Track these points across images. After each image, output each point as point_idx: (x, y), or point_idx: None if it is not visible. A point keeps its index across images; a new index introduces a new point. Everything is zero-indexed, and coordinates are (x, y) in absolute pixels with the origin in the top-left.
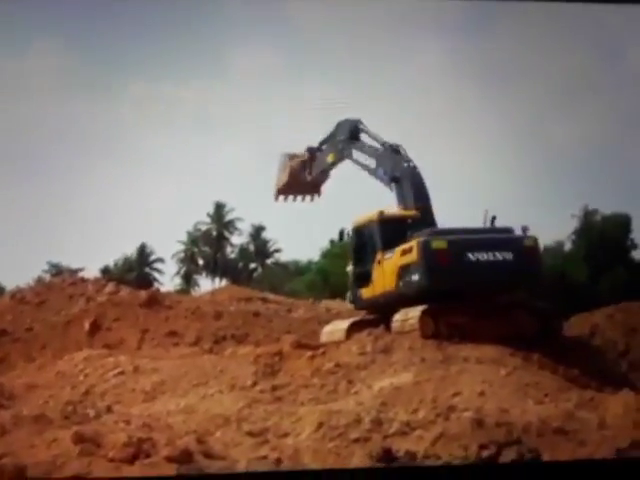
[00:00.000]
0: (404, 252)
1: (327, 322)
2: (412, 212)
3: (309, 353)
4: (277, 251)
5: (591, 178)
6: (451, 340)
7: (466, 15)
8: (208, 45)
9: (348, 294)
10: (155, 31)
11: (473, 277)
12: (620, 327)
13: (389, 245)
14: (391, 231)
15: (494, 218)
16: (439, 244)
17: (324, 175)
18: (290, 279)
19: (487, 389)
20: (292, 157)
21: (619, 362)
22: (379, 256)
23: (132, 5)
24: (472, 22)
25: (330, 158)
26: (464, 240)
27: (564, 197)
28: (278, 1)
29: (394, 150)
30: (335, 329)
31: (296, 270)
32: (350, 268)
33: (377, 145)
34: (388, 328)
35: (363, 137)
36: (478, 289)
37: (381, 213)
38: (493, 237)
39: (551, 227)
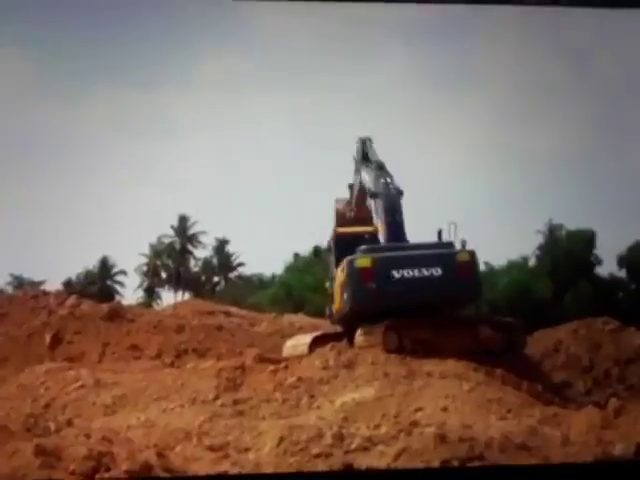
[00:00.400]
0: (342, 270)
1: (290, 336)
2: (369, 228)
3: (271, 367)
4: (241, 265)
5: (557, 193)
6: (415, 355)
7: (431, 25)
8: (175, 53)
9: (326, 308)
10: (121, 36)
11: (398, 295)
12: (584, 343)
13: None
14: (344, 248)
15: (440, 232)
16: (363, 262)
17: (362, 205)
18: (253, 293)
19: (450, 404)
20: (339, 200)
21: (583, 378)
22: (335, 272)
23: (99, 11)
24: (438, 32)
25: (356, 185)
26: (389, 257)
27: (531, 212)
28: (246, 8)
29: (379, 166)
30: (298, 343)
31: (259, 284)
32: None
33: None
34: (352, 342)
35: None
36: (405, 307)
37: (335, 230)
38: (421, 253)
39: (518, 241)
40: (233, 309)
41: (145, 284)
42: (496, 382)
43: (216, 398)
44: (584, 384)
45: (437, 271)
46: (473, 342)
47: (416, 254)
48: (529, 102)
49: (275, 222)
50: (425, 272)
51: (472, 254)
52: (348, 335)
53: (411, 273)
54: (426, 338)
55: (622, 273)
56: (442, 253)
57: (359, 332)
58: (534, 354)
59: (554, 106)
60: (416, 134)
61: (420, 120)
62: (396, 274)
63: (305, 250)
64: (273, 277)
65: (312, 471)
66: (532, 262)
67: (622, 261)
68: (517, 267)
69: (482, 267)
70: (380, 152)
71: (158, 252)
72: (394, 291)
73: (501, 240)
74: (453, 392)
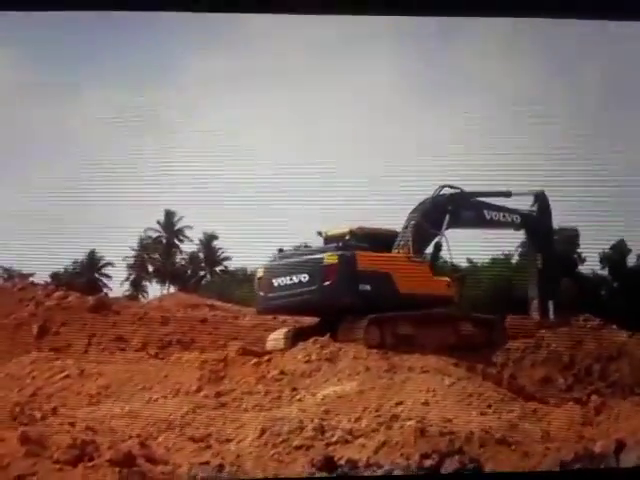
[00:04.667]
0: None
1: (273, 329)
2: (344, 230)
3: (254, 360)
4: (226, 259)
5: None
6: (396, 350)
7: (417, 32)
8: (162, 51)
9: None
10: (108, 36)
11: (276, 302)
12: (565, 339)
13: None
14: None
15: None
16: (260, 272)
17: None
18: (238, 287)
19: (431, 399)
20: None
21: (564, 374)
22: None
23: (85, 13)
24: (423, 40)
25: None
26: (272, 267)
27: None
28: (233, 8)
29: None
30: (281, 337)
31: (244, 278)
32: None
33: None
34: (334, 335)
35: None
36: (284, 313)
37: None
38: (294, 261)
39: (501, 239)
40: (218, 302)
41: (132, 277)
42: (477, 377)
43: (199, 390)
44: (565, 381)
45: (304, 277)
46: (454, 338)
47: (290, 262)
48: (517, 99)
49: (261, 219)
50: (295, 279)
51: (339, 256)
52: (329, 327)
53: (284, 281)
54: (408, 333)
55: (605, 272)
56: (310, 258)
57: (342, 325)
58: (515, 350)
59: (543, 101)
60: (415, 131)
61: (407, 127)
62: (275, 282)
63: (289, 246)
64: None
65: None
66: (515, 259)
67: (604, 259)
68: (500, 264)
69: (465, 264)
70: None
71: (145, 246)
72: (274, 298)
73: (483, 237)
74: (434, 386)
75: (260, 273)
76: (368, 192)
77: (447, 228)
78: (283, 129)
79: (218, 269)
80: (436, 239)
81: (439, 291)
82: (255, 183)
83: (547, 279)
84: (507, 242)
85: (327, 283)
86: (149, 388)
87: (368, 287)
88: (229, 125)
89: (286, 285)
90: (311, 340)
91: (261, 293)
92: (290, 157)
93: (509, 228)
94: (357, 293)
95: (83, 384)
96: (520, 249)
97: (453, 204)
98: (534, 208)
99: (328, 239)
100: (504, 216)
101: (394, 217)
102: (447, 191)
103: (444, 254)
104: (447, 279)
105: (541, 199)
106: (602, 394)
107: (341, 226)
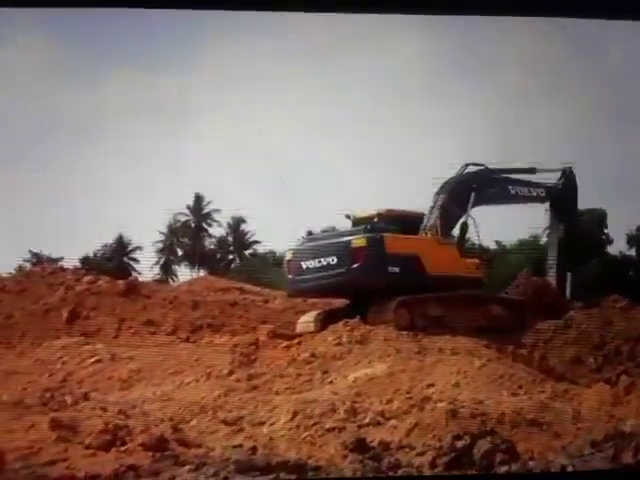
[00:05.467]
0: None
1: (303, 312)
2: (372, 213)
3: (285, 343)
4: (255, 242)
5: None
6: (426, 331)
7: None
8: (192, 34)
9: None
10: (139, 18)
11: (306, 285)
12: (595, 320)
13: None
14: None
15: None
16: (289, 255)
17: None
18: (268, 270)
19: (462, 380)
20: None
21: (594, 355)
22: None
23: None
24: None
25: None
26: (301, 250)
27: None
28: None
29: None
30: (311, 319)
31: (274, 261)
32: None
33: None
34: (364, 318)
35: None
36: (314, 295)
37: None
38: (322, 243)
39: (528, 221)
40: (247, 286)
41: (161, 261)
42: (507, 359)
43: (231, 373)
44: (595, 361)
45: (333, 259)
46: (484, 319)
47: (318, 244)
48: (549, 77)
49: (289, 201)
50: (323, 262)
51: (367, 239)
52: (359, 309)
53: (313, 264)
54: (437, 315)
55: (632, 252)
56: (338, 242)
57: (372, 308)
58: (545, 331)
59: (563, 88)
60: (428, 116)
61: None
62: (303, 265)
63: (317, 228)
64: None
65: None
66: (543, 241)
67: (632, 240)
68: (528, 246)
69: (493, 246)
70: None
71: (174, 230)
72: (304, 281)
73: (511, 218)
74: (465, 368)
75: (289, 256)
76: (395, 174)
77: (473, 206)
78: (310, 114)
79: (247, 252)
80: (462, 219)
81: (468, 272)
82: (283, 167)
83: (567, 250)
84: (535, 223)
85: (356, 265)
86: (181, 372)
87: (397, 269)
88: (257, 111)
89: (315, 268)
90: (341, 322)
91: (290, 276)
92: (318, 141)
93: (534, 202)
94: (386, 275)
95: (114, 369)
96: (548, 230)
97: (478, 181)
98: (560, 182)
99: (356, 222)
100: (529, 190)
101: (421, 199)
102: (471, 169)
103: (472, 236)
104: (476, 260)
105: (568, 175)
106: (631, 374)
107: (369, 209)
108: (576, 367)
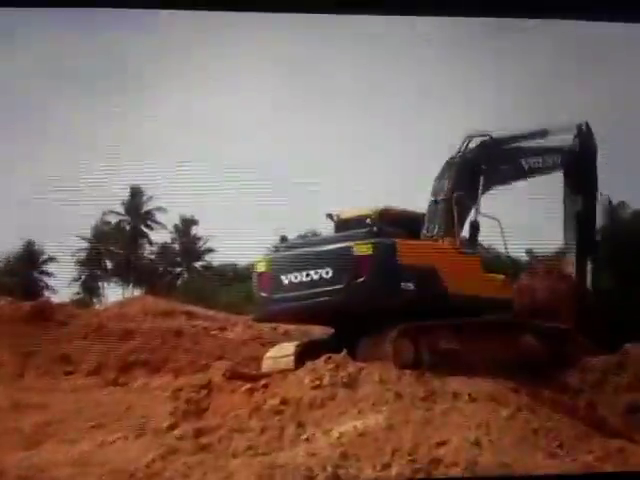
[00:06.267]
0: None
1: (272, 344)
2: (366, 212)
3: (247, 385)
4: (209, 251)
5: (614, 165)
6: (436, 371)
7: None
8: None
9: None
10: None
11: (288, 306)
12: None
13: None
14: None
15: None
16: (261, 266)
17: None
18: (225, 288)
19: (483, 437)
20: None
21: None
22: None
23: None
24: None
25: None
26: (278, 259)
27: None
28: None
29: None
30: (281, 354)
31: (234, 276)
32: None
33: None
34: (352, 352)
35: None
36: (294, 320)
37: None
38: (311, 251)
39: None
40: (198, 309)
41: (83, 276)
42: (543, 406)
43: (172, 427)
44: None
45: (327, 273)
46: (512, 354)
47: (303, 253)
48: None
49: (256, 200)
50: (313, 275)
51: (374, 246)
52: (346, 341)
53: (299, 278)
54: (451, 349)
55: None
56: (334, 249)
57: (363, 340)
58: (593, 369)
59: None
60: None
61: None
62: (284, 280)
63: (295, 233)
64: (251, 268)
65: None
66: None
67: None
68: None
69: (522, 256)
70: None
71: (101, 234)
72: (280, 301)
73: (535, 224)
74: (487, 420)
75: (262, 267)
76: (380, 167)
77: (483, 193)
78: (281, 101)
79: (198, 265)
80: (471, 214)
81: (492, 292)
82: (248, 157)
83: (586, 226)
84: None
85: (360, 280)
86: (104, 425)
87: (411, 285)
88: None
89: (301, 283)
90: (322, 358)
91: (263, 294)
92: (290, 129)
93: (551, 172)
94: (398, 293)
95: (16, 420)
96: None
97: (486, 158)
98: (575, 142)
99: (343, 223)
100: (544, 160)
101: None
102: (474, 143)
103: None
104: (500, 276)
105: (584, 132)
106: None
107: (361, 207)
108: (634, 419)
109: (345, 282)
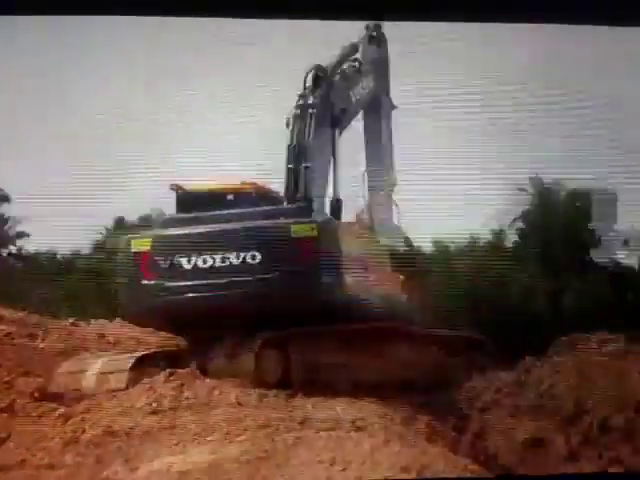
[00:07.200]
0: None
1: (98, 356)
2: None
3: (60, 410)
4: (23, 235)
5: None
6: (310, 390)
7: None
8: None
9: None
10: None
11: (191, 297)
12: (567, 373)
13: None
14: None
15: None
16: (140, 244)
17: None
18: (41, 282)
19: (336, 475)
20: None
21: (565, 432)
22: None
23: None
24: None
25: None
26: (173, 237)
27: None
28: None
29: None
30: (110, 369)
31: (53, 267)
32: None
33: None
34: (202, 366)
35: None
36: (197, 324)
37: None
38: (231, 227)
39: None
40: (3, 311)
41: None
42: (420, 438)
43: None
44: (566, 444)
45: (253, 257)
46: (408, 367)
47: (221, 229)
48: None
49: (86, 170)
50: (233, 259)
51: (320, 227)
52: (195, 353)
53: (210, 262)
54: (333, 362)
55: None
56: (267, 226)
57: (217, 350)
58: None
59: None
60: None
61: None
62: (185, 264)
63: (134, 214)
64: (76, 257)
65: None
66: (510, 240)
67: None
68: (486, 249)
69: (430, 248)
70: None
71: None
72: (176, 291)
73: (458, 209)
74: (367, 451)
75: (145, 246)
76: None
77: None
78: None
79: (7, 252)
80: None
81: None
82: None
83: None
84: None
85: (298, 268)
86: None
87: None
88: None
89: (213, 269)
90: (162, 374)
91: (147, 282)
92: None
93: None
94: (343, 287)
95: None
96: (518, 222)
97: (322, 100)
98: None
99: (185, 198)
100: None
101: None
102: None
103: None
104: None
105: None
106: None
107: (217, 179)
108: (536, 453)
109: (278, 270)
